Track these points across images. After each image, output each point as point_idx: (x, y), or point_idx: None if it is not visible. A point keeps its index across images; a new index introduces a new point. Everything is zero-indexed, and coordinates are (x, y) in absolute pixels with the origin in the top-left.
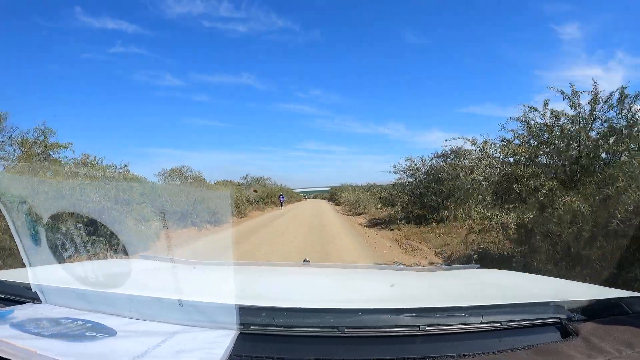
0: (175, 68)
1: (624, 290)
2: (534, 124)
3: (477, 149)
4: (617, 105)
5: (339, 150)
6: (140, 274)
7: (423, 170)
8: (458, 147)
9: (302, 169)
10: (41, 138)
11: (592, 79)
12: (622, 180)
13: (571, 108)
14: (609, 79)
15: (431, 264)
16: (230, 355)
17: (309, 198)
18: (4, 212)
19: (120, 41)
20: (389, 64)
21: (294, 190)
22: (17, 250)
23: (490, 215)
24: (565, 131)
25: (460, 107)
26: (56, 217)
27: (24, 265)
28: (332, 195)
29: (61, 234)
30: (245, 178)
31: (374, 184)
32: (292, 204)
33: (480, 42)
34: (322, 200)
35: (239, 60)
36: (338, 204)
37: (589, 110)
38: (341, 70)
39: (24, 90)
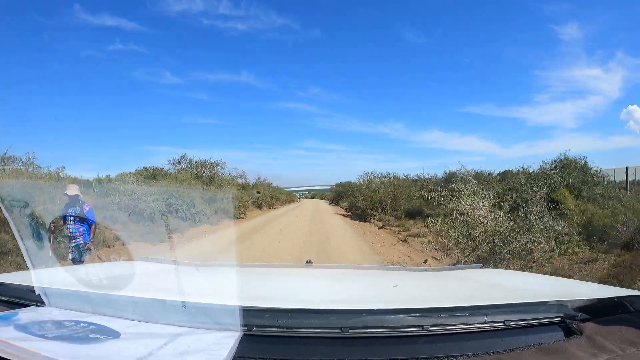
0: (175, 66)
1: (627, 289)
2: None
3: None
4: None
5: (339, 149)
6: (144, 276)
7: None
8: None
9: (301, 167)
10: None
11: None
12: None
13: None
14: (608, 79)
15: None
16: (234, 356)
17: (306, 197)
18: (7, 216)
19: (120, 39)
20: (388, 63)
21: (287, 190)
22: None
23: None
24: None
25: (459, 106)
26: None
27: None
28: (338, 197)
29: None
30: (178, 163)
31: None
32: (271, 211)
33: (479, 42)
34: (322, 201)
35: (239, 58)
36: (358, 216)
37: None
38: (341, 69)
39: (23, 90)
